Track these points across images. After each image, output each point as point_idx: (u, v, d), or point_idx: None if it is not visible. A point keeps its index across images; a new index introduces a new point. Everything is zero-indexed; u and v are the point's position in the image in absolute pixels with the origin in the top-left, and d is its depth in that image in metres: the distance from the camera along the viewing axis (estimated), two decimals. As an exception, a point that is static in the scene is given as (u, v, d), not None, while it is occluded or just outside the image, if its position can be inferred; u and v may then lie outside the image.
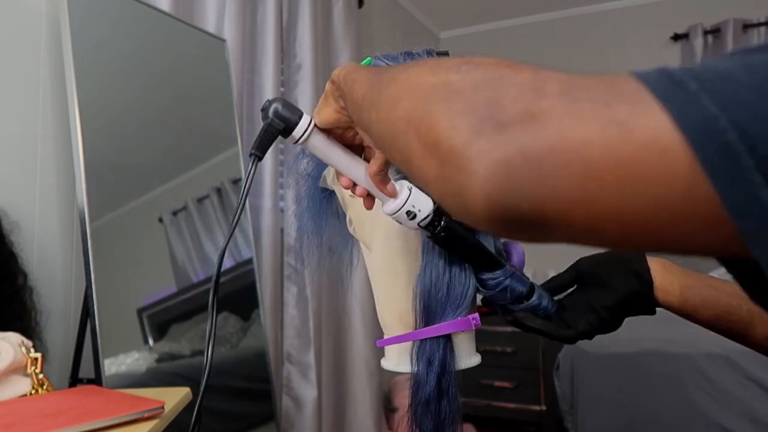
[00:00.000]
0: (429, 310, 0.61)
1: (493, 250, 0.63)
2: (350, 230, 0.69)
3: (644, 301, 0.64)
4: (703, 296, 0.62)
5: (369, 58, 0.65)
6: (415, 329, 0.62)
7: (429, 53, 0.66)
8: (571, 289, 0.68)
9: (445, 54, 0.65)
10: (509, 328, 2.87)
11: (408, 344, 0.63)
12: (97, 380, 1.27)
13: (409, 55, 0.65)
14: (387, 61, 0.64)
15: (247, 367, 1.75)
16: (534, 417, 2.89)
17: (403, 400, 2.64)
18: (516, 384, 2.86)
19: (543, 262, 3.51)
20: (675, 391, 1.84)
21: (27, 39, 1.46)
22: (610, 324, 0.64)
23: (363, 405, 2.47)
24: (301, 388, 2.19)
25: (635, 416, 1.90)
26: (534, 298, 0.63)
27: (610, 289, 0.64)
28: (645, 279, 0.64)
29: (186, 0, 1.83)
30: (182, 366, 1.53)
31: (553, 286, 0.68)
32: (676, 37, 3.33)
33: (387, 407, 2.73)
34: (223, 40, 1.85)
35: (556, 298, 0.67)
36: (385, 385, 2.72)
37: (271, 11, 2.15)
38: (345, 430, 2.47)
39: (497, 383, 2.88)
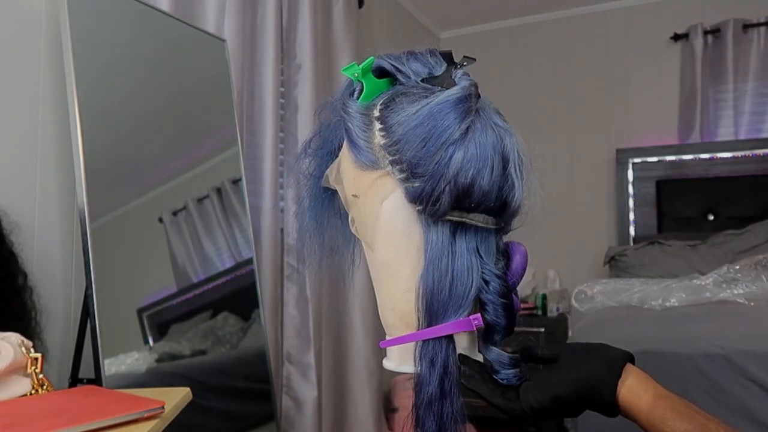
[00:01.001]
0: (431, 310, 0.60)
1: (494, 249, 0.63)
2: (352, 230, 0.69)
3: (606, 392, 0.58)
4: (677, 410, 0.57)
5: (372, 58, 0.64)
6: (418, 329, 0.62)
7: (432, 53, 0.66)
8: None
9: (449, 54, 0.65)
10: (509, 328, 2.87)
11: (410, 344, 0.63)
12: (97, 380, 1.27)
13: (412, 54, 0.65)
14: (390, 61, 0.64)
15: (247, 367, 1.75)
16: (534, 417, 2.88)
17: (403, 400, 2.64)
18: (516, 384, 2.86)
19: (543, 262, 3.51)
20: (675, 391, 1.84)
21: (27, 39, 1.46)
22: (564, 406, 0.58)
23: (363, 405, 2.47)
24: (301, 388, 2.19)
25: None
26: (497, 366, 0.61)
27: (575, 368, 0.60)
28: (615, 370, 0.59)
29: (186, 0, 1.83)
30: (182, 366, 1.53)
31: (530, 354, 0.64)
32: (676, 37, 3.33)
33: (387, 407, 2.73)
34: (223, 40, 1.85)
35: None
36: (385, 385, 2.72)
37: (271, 11, 2.15)
38: (345, 430, 2.47)
39: (497, 383, 2.88)
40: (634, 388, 0.58)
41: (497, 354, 0.62)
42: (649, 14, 3.44)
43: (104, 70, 1.46)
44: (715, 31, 3.22)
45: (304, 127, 2.27)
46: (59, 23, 1.37)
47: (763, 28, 3.15)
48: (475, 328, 0.61)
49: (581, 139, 3.56)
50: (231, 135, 1.82)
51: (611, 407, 0.59)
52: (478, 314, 0.61)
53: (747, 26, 3.17)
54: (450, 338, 0.61)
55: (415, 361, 0.62)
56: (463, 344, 0.63)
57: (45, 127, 1.48)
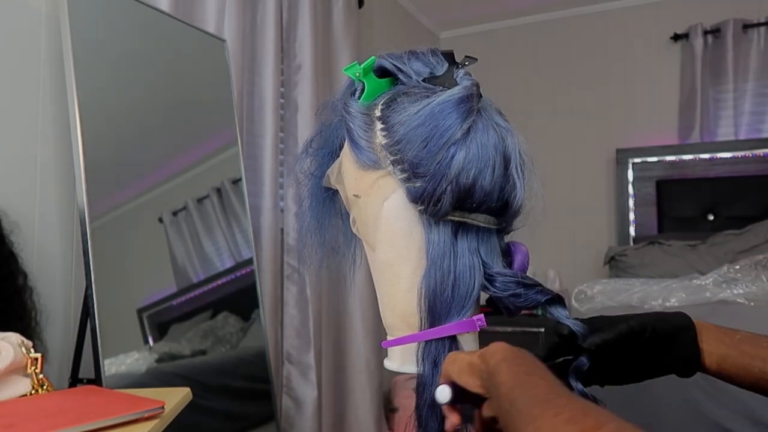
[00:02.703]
0: (434, 311, 0.60)
1: (496, 249, 0.63)
2: (354, 230, 0.69)
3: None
4: (737, 366, 0.63)
5: (373, 57, 0.64)
6: (421, 330, 0.62)
7: (433, 53, 0.65)
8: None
9: (450, 54, 0.65)
10: (509, 328, 2.87)
11: (412, 345, 0.63)
12: (97, 380, 1.27)
13: (414, 54, 0.65)
14: (391, 60, 0.64)
15: (247, 367, 1.75)
16: (534, 417, 2.88)
17: (403, 400, 2.64)
18: (516, 384, 2.86)
19: (543, 262, 3.51)
20: (675, 391, 1.84)
21: (27, 39, 1.46)
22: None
23: (363, 405, 2.47)
24: (301, 388, 2.19)
25: (634, 416, 1.90)
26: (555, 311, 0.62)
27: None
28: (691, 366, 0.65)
29: (186, 0, 1.83)
30: (182, 366, 1.53)
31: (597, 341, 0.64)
32: (676, 37, 3.33)
33: (387, 407, 2.73)
34: (223, 40, 1.85)
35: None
36: (385, 385, 2.72)
37: (271, 11, 2.15)
38: (345, 430, 2.47)
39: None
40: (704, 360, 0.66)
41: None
42: (649, 14, 3.44)
43: (104, 70, 1.46)
44: (715, 31, 3.22)
45: (304, 127, 2.27)
46: (59, 23, 1.37)
47: (763, 28, 3.15)
48: (478, 329, 0.61)
49: (581, 139, 3.55)
50: (231, 135, 1.82)
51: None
52: (481, 315, 0.61)
53: (747, 26, 3.16)
54: (453, 339, 0.61)
55: (417, 361, 0.62)
56: (466, 345, 0.63)
57: (45, 127, 1.48)
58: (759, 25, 3.14)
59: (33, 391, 0.90)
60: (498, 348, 0.51)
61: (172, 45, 1.67)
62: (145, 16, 1.57)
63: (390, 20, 3.28)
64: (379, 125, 0.62)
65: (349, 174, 0.66)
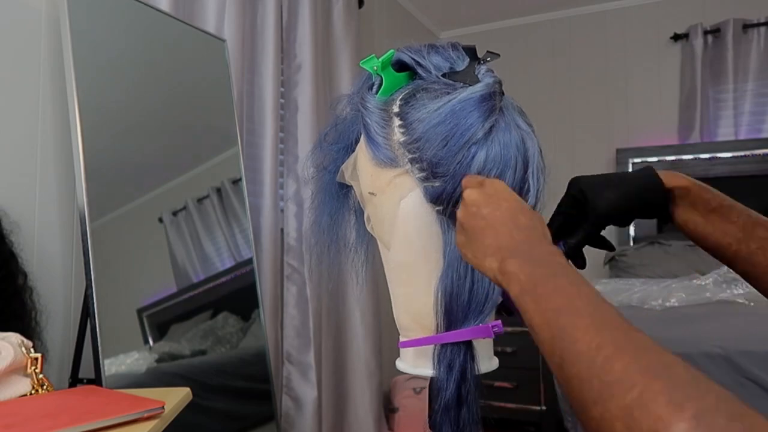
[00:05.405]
0: (450, 314, 0.59)
1: None
2: (368, 228, 0.67)
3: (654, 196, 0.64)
4: (698, 233, 0.65)
5: (392, 51, 0.62)
6: (437, 332, 0.60)
7: (454, 47, 0.63)
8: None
9: (472, 49, 0.62)
10: (509, 328, 2.86)
11: (425, 347, 0.62)
12: (97, 380, 1.27)
13: (433, 48, 0.62)
14: (410, 54, 0.62)
15: (247, 367, 1.75)
16: (534, 417, 2.88)
17: (403, 400, 2.64)
18: (516, 384, 2.86)
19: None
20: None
21: (27, 39, 1.46)
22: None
23: (363, 405, 2.47)
24: (301, 388, 2.19)
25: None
26: None
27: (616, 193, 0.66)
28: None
29: (186, 0, 1.83)
30: (182, 366, 1.53)
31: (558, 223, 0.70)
32: (676, 37, 3.33)
33: (387, 407, 2.73)
34: (223, 40, 1.85)
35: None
36: (385, 385, 2.72)
37: (271, 11, 2.15)
38: (345, 430, 2.47)
39: (497, 383, 2.88)
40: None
41: None
42: (649, 14, 3.44)
43: (104, 70, 1.46)
44: (715, 31, 3.22)
45: (304, 127, 2.26)
46: (59, 23, 1.37)
47: (763, 28, 3.15)
48: (493, 336, 0.59)
49: (581, 139, 3.55)
50: (231, 135, 1.81)
51: None
52: (499, 321, 0.59)
53: (747, 26, 3.17)
54: (469, 344, 0.59)
55: (433, 364, 0.60)
56: (481, 348, 0.61)
57: (45, 127, 1.48)
58: (759, 25, 3.14)
59: (33, 391, 0.90)
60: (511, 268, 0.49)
61: (172, 45, 1.67)
62: (145, 16, 1.57)
63: (390, 20, 3.28)
64: (397, 122, 0.60)
65: (365, 171, 0.63)
